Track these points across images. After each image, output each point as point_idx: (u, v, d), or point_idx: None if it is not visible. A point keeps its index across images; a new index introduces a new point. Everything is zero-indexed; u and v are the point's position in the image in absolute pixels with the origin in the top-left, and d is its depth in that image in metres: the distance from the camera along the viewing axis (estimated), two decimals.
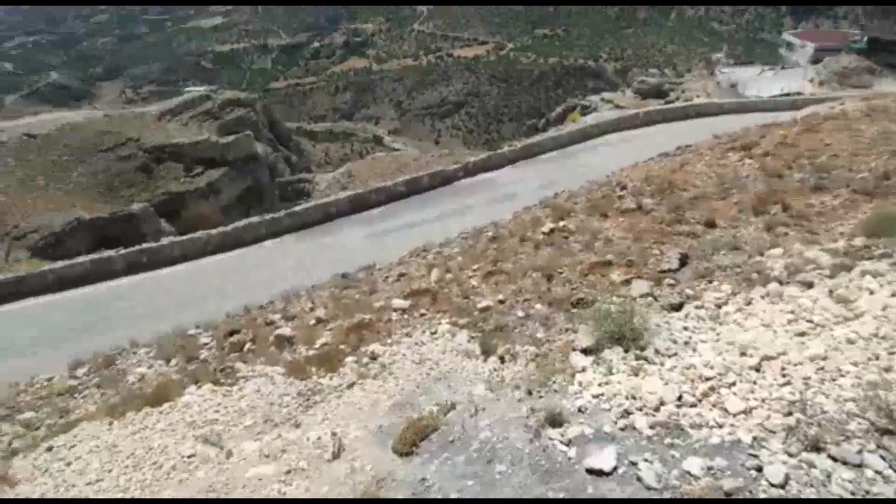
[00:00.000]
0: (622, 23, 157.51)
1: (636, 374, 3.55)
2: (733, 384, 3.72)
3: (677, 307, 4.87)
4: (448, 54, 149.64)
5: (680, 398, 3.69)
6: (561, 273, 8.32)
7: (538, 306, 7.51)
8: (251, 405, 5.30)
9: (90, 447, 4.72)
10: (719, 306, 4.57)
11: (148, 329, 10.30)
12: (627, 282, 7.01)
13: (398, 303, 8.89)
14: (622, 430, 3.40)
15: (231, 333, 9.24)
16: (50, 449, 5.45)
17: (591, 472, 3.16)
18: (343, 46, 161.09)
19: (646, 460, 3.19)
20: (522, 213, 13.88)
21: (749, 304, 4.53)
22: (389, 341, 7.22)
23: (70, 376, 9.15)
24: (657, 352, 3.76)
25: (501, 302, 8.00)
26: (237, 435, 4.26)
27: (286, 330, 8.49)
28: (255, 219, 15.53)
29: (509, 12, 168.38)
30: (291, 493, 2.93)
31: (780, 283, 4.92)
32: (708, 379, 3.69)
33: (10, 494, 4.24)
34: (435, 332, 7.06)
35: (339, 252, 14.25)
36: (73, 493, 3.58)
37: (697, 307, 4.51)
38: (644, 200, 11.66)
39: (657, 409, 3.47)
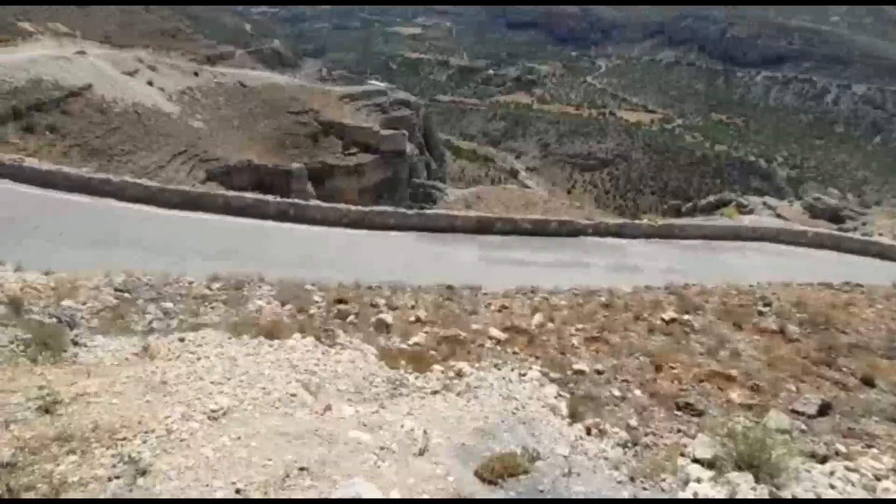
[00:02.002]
0: (814, 131, 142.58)
1: None
2: None
3: (821, 459, 4.21)
4: (611, 112, 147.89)
5: None
6: (673, 368, 7.71)
7: (637, 392, 7.04)
8: (345, 372, 5.68)
9: (215, 352, 5.43)
10: (878, 479, 3.86)
11: (275, 270, 11.56)
12: (749, 406, 6.28)
13: (495, 332, 8.92)
14: None
15: (340, 301, 9.99)
16: (182, 340, 6.35)
17: None
18: (514, 80, 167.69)
19: None
20: (643, 291, 13.11)
21: None
22: (477, 366, 7.26)
23: (206, 286, 10.57)
24: (795, 498, 3.28)
25: (599, 372, 7.64)
26: (332, 394, 4.61)
27: (388, 317, 8.97)
28: (389, 209, 16.72)
29: (689, 89, 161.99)
30: (384, 469, 3.09)
31: None
32: None
33: (149, 366, 5.01)
34: (524, 375, 6.95)
35: (451, 264, 14.70)
36: (199, 385, 4.17)
37: (848, 469, 3.86)
38: (790, 326, 10.37)
39: None
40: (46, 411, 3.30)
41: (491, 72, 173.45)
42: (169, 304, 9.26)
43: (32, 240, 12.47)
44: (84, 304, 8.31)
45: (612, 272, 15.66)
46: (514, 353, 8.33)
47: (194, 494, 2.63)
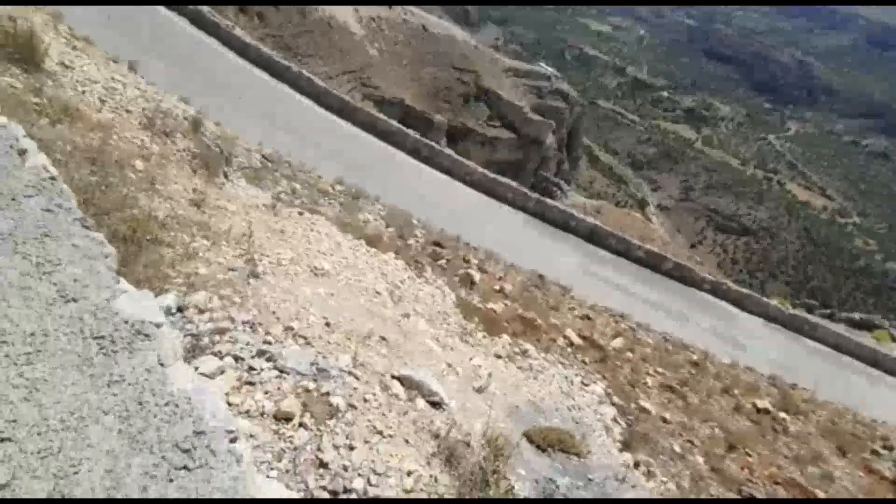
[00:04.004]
0: None
1: None
2: None
3: None
4: (779, 182, 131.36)
5: None
6: (748, 455, 6.90)
7: (699, 459, 6.42)
8: (425, 300, 5.86)
9: (325, 231, 5.89)
10: None
11: (390, 196, 12.17)
12: None
13: (571, 334, 8.61)
14: None
15: (437, 244, 10.27)
16: (301, 213, 6.94)
17: None
18: (686, 110, 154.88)
19: None
20: (742, 370, 11.82)
21: None
22: (544, 355, 7.09)
23: (331, 185, 11.43)
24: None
25: (665, 420, 7.08)
26: (411, 311, 4.79)
27: (476, 276, 9.04)
28: (512, 183, 16.61)
29: (885, 189, 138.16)
30: (448, 384, 3.19)
31: None
32: None
33: (273, 217, 5.55)
34: (587, 386, 6.67)
35: (550, 258, 14.35)
36: (308, 247, 4.57)
37: None
38: None
39: None
40: (196, 206, 3.84)
41: (665, 94, 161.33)
42: (297, 186, 10.16)
43: (214, 96, 14.27)
44: (236, 157, 9.40)
45: (713, 337, 14.27)
46: (583, 362, 8.00)
47: (290, 309, 2.91)
